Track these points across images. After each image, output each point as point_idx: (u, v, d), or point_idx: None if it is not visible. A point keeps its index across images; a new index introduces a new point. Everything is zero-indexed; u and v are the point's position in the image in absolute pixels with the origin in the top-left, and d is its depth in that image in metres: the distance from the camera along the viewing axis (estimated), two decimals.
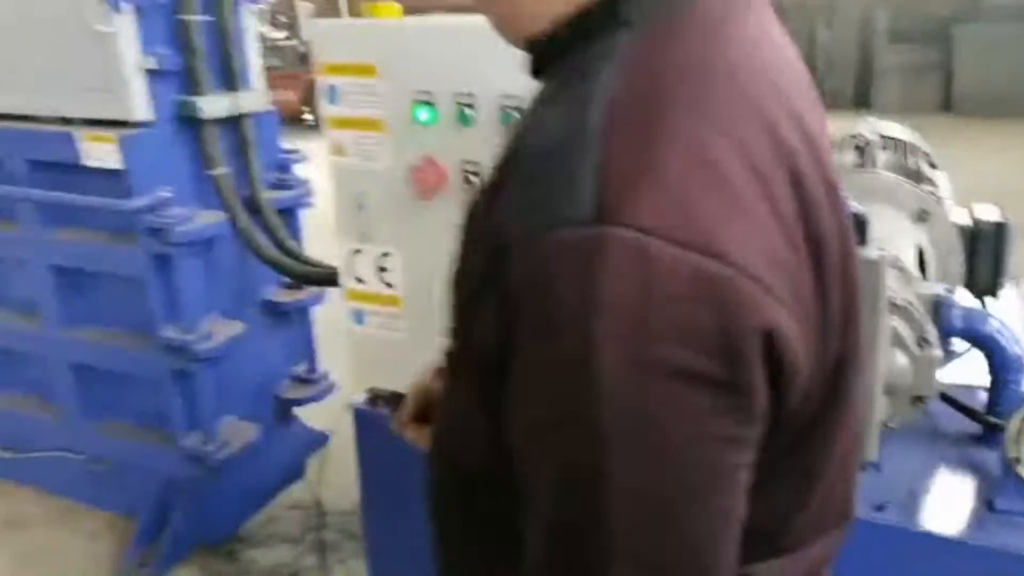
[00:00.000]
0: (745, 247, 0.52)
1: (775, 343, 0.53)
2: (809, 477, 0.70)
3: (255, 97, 2.57)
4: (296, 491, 3.14)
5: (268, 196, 2.64)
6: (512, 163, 0.62)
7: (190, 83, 2.38)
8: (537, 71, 0.69)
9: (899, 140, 1.81)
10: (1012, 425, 1.31)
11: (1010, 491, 1.31)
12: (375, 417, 1.75)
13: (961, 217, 1.62)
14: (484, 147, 1.42)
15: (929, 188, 1.63)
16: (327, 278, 2.56)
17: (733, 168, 0.54)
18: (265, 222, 2.61)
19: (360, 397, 1.80)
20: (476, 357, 0.62)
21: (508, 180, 0.61)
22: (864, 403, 0.96)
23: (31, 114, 2.49)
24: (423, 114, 1.45)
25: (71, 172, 2.42)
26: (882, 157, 1.71)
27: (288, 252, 2.61)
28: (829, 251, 0.61)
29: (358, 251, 1.63)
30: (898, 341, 1.28)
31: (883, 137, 1.81)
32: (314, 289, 2.90)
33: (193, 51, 2.33)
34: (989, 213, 1.65)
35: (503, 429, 0.60)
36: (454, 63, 1.42)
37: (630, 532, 0.54)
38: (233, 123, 2.53)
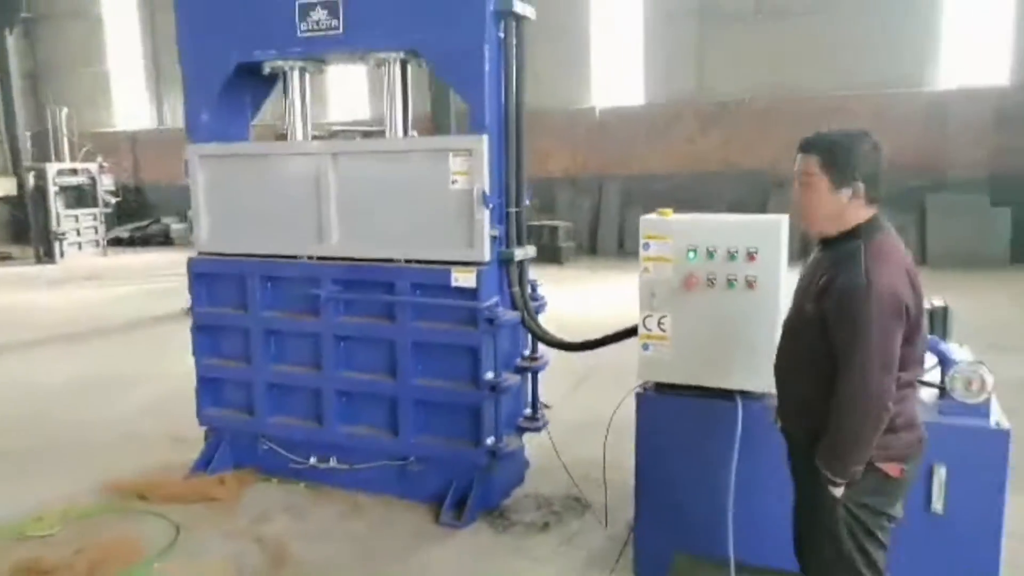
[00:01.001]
0: (902, 288, 2.41)
1: (907, 306, 2.40)
2: (915, 350, 2.50)
3: (530, 249, 4.43)
4: (523, 489, 4.75)
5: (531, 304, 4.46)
6: (833, 276, 2.45)
7: (507, 241, 4.25)
8: (823, 245, 2.60)
9: None
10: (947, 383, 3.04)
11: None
12: (650, 399, 3.45)
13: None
14: (720, 269, 3.22)
15: None
16: (566, 346, 4.34)
17: (899, 271, 2.43)
18: (531, 316, 4.41)
19: (640, 389, 3.51)
20: (816, 322, 2.48)
21: (836, 278, 2.43)
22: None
23: (412, 258, 4.33)
24: (691, 255, 3.27)
25: (435, 289, 4.24)
26: None
27: (545, 332, 4.40)
28: (918, 293, 2.47)
29: (649, 315, 3.40)
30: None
31: None
32: (543, 359, 4.65)
33: (513, 226, 4.22)
34: (938, 302, 3.45)
35: (830, 341, 2.45)
36: (704, 234, 3.27)
37: (877, 351, 2.36)
38: (519, 263, 4.38)
